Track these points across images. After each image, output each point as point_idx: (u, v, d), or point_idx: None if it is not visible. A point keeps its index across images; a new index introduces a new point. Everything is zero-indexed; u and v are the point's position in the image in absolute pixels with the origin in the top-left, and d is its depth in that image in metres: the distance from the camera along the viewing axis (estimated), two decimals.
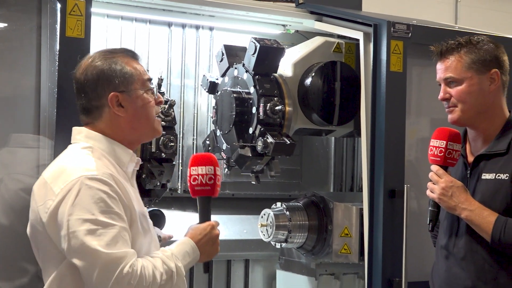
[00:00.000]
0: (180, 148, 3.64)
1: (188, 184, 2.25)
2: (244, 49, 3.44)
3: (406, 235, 3.18)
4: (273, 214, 3.52)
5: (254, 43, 3.32)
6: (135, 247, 2.04)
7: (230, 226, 3.81)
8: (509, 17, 9.37)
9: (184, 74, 3.73)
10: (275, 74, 3.42)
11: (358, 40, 3.45)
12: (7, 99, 2.81)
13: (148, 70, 2.26)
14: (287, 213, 3.54)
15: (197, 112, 3.77)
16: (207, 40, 3.79)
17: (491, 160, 2.51)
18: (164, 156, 3.13)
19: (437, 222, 2.61)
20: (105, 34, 3.47)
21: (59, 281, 2.05)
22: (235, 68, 3.45)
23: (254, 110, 3.33)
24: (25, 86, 2.82)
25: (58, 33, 2.71)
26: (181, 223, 3.21)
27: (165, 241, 2.90)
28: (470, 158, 2.58)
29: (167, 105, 3.13)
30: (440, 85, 2.58)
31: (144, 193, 3.15)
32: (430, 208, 2.58)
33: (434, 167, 2.53)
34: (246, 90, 3.38)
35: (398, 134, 3.33)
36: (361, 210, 3.42)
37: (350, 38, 3.56)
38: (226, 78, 3.50)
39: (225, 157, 3.49)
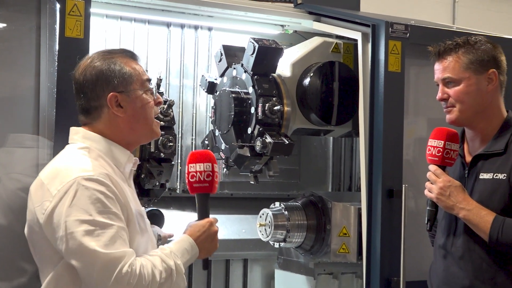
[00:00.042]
0: (179, 148, 3.64)
1: (186, 181, 2.25)
2: (242, 49, 3.44)
3: (404, 234, 3.18)
4: (272, 214, 3.53)
5: (253, 43, 3.33)
6: (132, 247, 2.04)
7: (228, 226, 3.81)
8: (506, 18, 9.39)
9: (183, 74, 3.74)
10: (273, 74, 3.43)
11: (356, 40, 3.45)
12: (6, 99, 2.82)
13: (147, 70, 2.26)
14: (286, 212, 3.55)
15: (196, 112, 3.77)
16: (205, 40, 3.79)
17: (489, 160, 2.51)
18: (163, 156, 3.14)
19: (435, 222, 2.62)
20: (104, 34, 3.47)
21: (56, 282, 2.05)
22: (234, 68, 3.46)
23: (252, 110, 3.33)
24: (24, 86, 2.82)
25: (57, 33, 2.71)
26: (180, 222, 3.21)
27: (165, 240, 2.92)
28: (468, 158, 2.59)
29: (166, 105, 3.14)
30: (438, 85, 2.59)
31: (143, 193, 3.16)
32: (428, 208, 2.58)
33: (432, 167, 2.54)
34: (245, 90, 3.39)
35: (396, 134, 3.34)
36: (359, 209, 3.43)
37: (348, 38, 3.56)
38: (225, 78, 3.51)
39: (224, 157, 3.50)
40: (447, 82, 2.56)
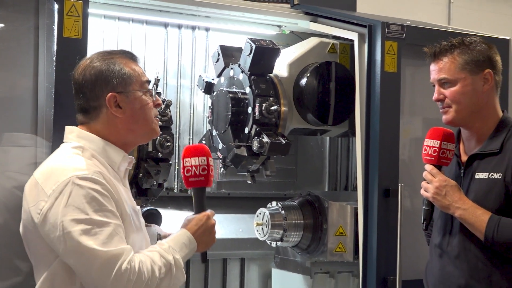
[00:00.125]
0: (177, 148, 3.65)
1: (182, 175, 2.25)
2: (239, 50, 3.45)
3: (400, 233, 3.19)
4: (269, 213, 3.54)
5: (250, 43, 3.34)
6: (127, 244, 2.03)
7: (226, 225, 3.82)
8: (501, 18, 9.41)
9: (180, 75, 3.75)
10: (270, 74, 3.44)
11: (352, 40, 3.47)
12: (5, 99, 2.82)
13: (145, 71, 2.26)
14: (283, 212, 3.56)
15: (193, 112, 3.78)
16: (203, 40, 3.80)
17: (484, 160, 2.53)
18: (160, 155, 3.15)
19: (431, 221, 2.63)
20: (102, 34, 3.47)
21: (51, 280, 2.05)
22: (231, 68, 3.47)
23: (249, 110, 3.34)
24: (23, 87, 2.82)
25: (55, 34, 2.72)
26: (177, 222, 3.21)
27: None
28: (464, 158, 2.60)
29: (164, 105, 3.15)
30: (434, 86, 2.60)
31: (141, 192, 3.17)
32: (424, 207, 2.59)
33: (428, 167, 2.55)
34: (242, 90, 3.40)
35: (392, 134, 3.35)
36: (356, 209, 3.44)
37: (344, 38, 3.57)
38: (222, 79, 3.52)
39: (221, 157, 3.51)
40: (443, 83, 2.57)
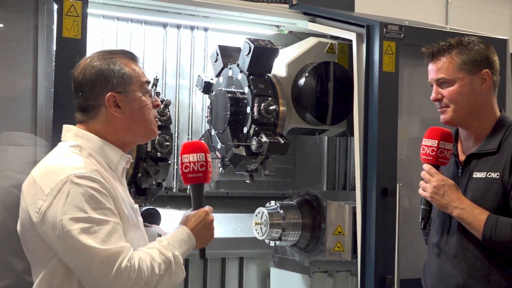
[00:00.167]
0: (175, 148, 3.65)
1: (180, 172, 2.25)
2: (238, 50, 3.46)
3: (398, 233, 3.20)
4: (267, 213, 3.54)
5: (249, 43, 3.34)
6: (125, 241, 2.03)
7: (224, 225, 3.82)
8: (498, 18, 9.44)
9: (179, 74, 3.75)
10: (269, 74, 3.44)
11: (351, 40, 3.47)
12: (4, 99, 2.82)
13: (144, 71, 2.27)
14: (281, 211, 3.56)
15: (192, 112, 3.78)
16: (202, 40, 3.81)
17: (482, 159, 2.53)
18: (159, 155, 3.15)
19: (429, 220, 2.63)
20: (101, 34, 3.48)
21: (49, 279, 2.05)
22: (230, 68, 3.47)
23: (248, 110, 3.35)
24: (22, 87, 2.83)
25: (54, 34, 2.72)
26: (176, 221, 3.22)
27: None
28: (462, 157, 2.60)
29: (163, 105, 3.15)
30: (432, 86, 2.61)
31: (140, 192, 3.17)
32: (422, 207, 2.60)
33: (426, 166, 2.56)
34: (241, 90, 3.40)
35: (391, 133, 3.36)
36: (354, 208, 3.44)
37: (343, 38, 3.58)
38: (221, 78, 3.53)
39: (219, 156, 3.51)
40: (441, 83, 2.57)
